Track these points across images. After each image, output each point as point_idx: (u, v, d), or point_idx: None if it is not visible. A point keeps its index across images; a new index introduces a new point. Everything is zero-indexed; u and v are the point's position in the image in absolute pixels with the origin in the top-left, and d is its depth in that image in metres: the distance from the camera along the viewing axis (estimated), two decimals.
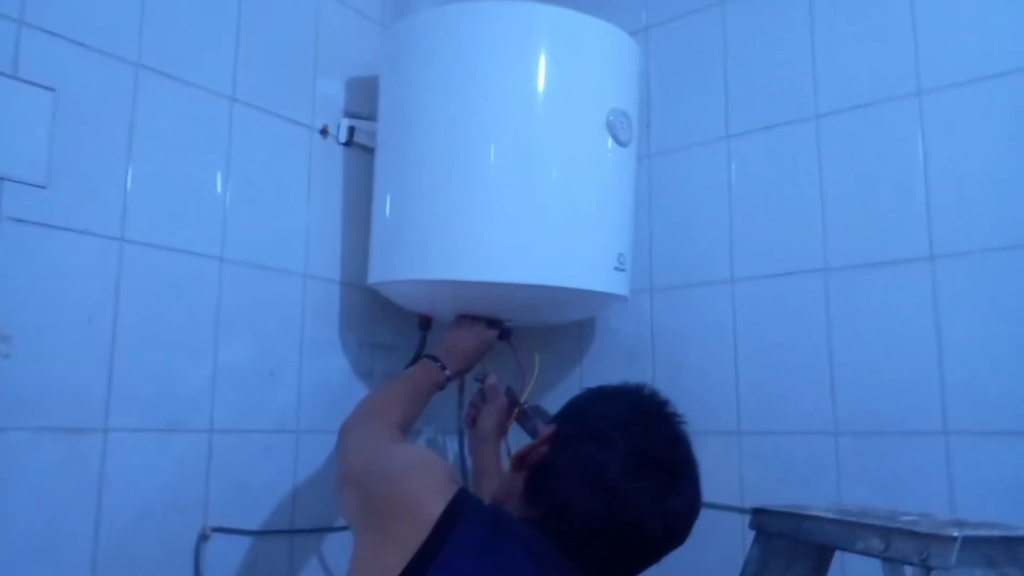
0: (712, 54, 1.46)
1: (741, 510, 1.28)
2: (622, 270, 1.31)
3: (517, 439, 1.36)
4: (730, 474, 1.32)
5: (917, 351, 1.18)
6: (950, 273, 1.17)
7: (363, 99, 1.50)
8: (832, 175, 1.30)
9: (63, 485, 1.06)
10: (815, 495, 1.22)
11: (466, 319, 1.31)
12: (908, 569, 0.65)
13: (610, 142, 1.30)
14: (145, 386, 1.16)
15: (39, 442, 1.04)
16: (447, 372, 1.22)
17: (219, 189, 1.28)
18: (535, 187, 1.24)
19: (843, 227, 1.28)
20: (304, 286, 1.39)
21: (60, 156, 1.08)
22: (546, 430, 0.90)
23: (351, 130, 1.48)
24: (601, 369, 1.53)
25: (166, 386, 1.18)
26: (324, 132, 1.45)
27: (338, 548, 1.39)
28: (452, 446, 1.53)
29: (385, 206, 1.34)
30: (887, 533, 0.68)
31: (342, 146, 1.48)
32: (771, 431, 1.30)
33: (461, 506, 0.81)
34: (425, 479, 0.84)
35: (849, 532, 0.72)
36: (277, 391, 1.33)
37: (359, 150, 1.49)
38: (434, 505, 0.80)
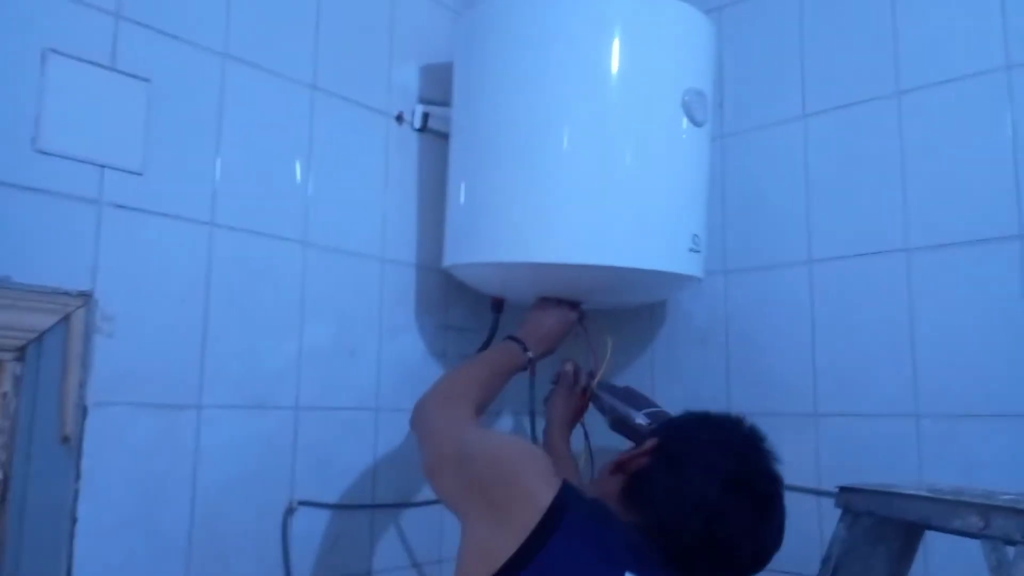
0: (788, 31, 1.44)
1: (819, 492, 1.27)
2: (697, 251, 1.31)
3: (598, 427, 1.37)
4: (806, 457, 1.31)
5: (1004, 332, 1.15)
6: None
7: (437, 85, 1.52)
8: (915, 153, 1.27)
9: (160, 458, 1.10)
10: (895, 479, 1.20)
11: (549, 301, 1.32)
12: (1009, 550, 0.64)
13: (685, 122, 1.29)
14: (235, 365, 1.20)
15: (138, 416, 1.08)
16: (529, 354, 1.23)
17: (300, 175, 1.31)
18: (610, 169, 1.24)
19: (926, 206, 1.25)
20: (382, 269, 1.42)
21: (155, 144, 1.12)
22: (649, 442, 0.96)
23: (425, 116, 1.50)
24: (673, 352, 1.52)
25: (254, 365, 1.22)
26: (400, 119, 1.48)
27: (417, 522, 1.43)
28: (524, 427, 1.55)
29: (460, 191, 1.35)
30: (986, 511, 0.67)
31: (416, 132, 1.50)
32: (849, 413, 1.29)
33: (568, 497, 0.85)
34: (534, 469, 0.89)
35: (945, 510, 0.71)
36: (358, 370, 1.37)
37: (433, 136, 1.51)
38: (544, 494, 0.84)
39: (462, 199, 1.35)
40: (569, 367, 1.35)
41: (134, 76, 1.11)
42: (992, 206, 1.19)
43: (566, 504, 0.85)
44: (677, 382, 1.50)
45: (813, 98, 1.40)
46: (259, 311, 1.24)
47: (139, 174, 1.11)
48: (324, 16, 1.36)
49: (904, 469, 1.21)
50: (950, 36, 1.26)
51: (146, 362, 1.10)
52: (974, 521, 0.68)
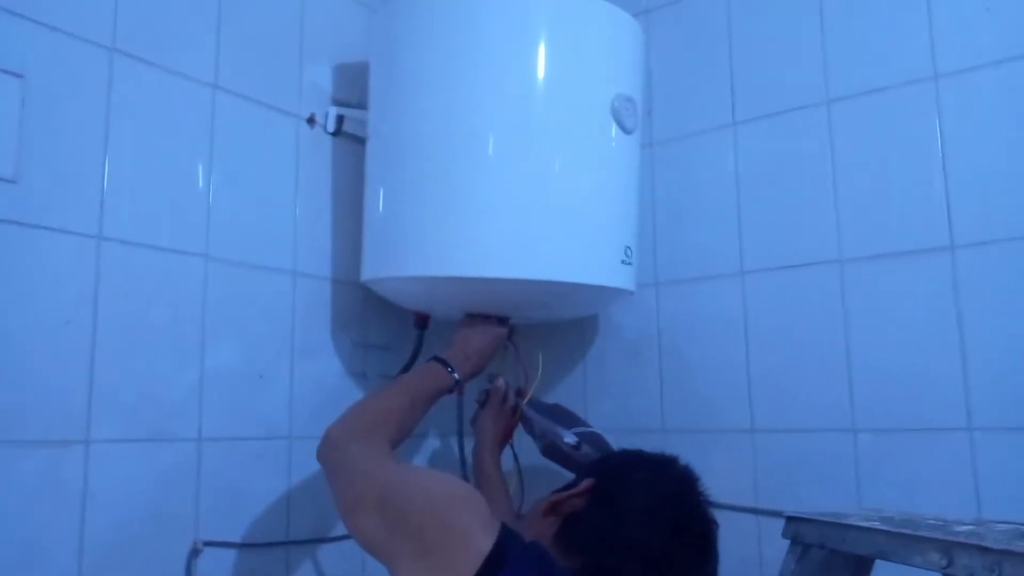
0: (716, 37, 1.41)
1: (757, 511, 1.24)
2: (629, 264, 1.26)
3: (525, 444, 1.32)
4: (743, 474, 1.28)
5: (938, 344, 1.15)
6: (972, 263, 1.14)
7: (352, 86, 1.43)
8: (846, 162, 1.26)
9: (43, 502, 0.99)
10: (833, 495, 1.19)
11: (476, 317, 1.25)
12: None
13: (614, 130, 1.24)
14: (128, 393, 1.09)
15: (16, 456, 0.97)
16: (456, 376, 1.16)
17: (201, 182, 1.21)
18: (537, 178, 1.18)
19: (859, 216, 1.24)
20: (293, 284, 1.32)
21: (31, 148, 1.01)
22: (583, 483, 0.95)
23: (340, 119, 1.41)
24: (605, 367, 1.47)
25: (150, 393, 1.11)
26: (311, 121, 1.38)
27: (336, 559, 1.34)
28: (452, 449, 1.48)
29: (378, 199, 1.27)
30: (948, 547, 0.63)
31: (330, 136, 1.41)
32: (786, 429, 1.26)
33: (508, 543, 0.82)
34: (470, 512, 0.84)
35: (903, 544, 0.67)
36: (267, 395, 1.27)
37: (348, 140, 1.42)
38: (484, 540, 0.80)
39: (381, 208, 1.26)
40: (500, 383, 1.28)
41: (5, 71, 0.99)
42: (923, 217, 1.18)
43: (506, 550, 0.80)
44: (609, 397, 1.46)
45: (743, 106, 1.37)
46: (155, 332, 1.13)
47: (12, 182, 0.99)
48: (226, 10, 1.25)
49: (842, 486, 1.19)
50: (878, 45, 1.25)
51: (23, 394, 0.98)
52: (936, 559, 0.64)
